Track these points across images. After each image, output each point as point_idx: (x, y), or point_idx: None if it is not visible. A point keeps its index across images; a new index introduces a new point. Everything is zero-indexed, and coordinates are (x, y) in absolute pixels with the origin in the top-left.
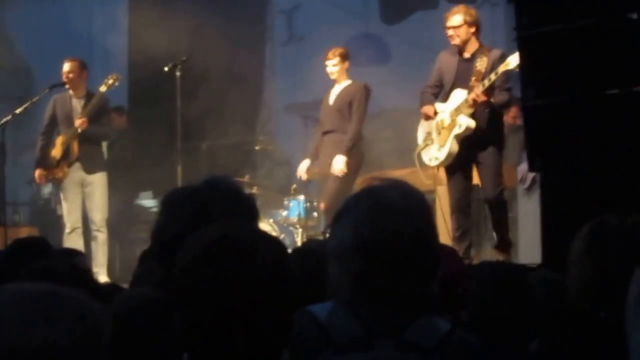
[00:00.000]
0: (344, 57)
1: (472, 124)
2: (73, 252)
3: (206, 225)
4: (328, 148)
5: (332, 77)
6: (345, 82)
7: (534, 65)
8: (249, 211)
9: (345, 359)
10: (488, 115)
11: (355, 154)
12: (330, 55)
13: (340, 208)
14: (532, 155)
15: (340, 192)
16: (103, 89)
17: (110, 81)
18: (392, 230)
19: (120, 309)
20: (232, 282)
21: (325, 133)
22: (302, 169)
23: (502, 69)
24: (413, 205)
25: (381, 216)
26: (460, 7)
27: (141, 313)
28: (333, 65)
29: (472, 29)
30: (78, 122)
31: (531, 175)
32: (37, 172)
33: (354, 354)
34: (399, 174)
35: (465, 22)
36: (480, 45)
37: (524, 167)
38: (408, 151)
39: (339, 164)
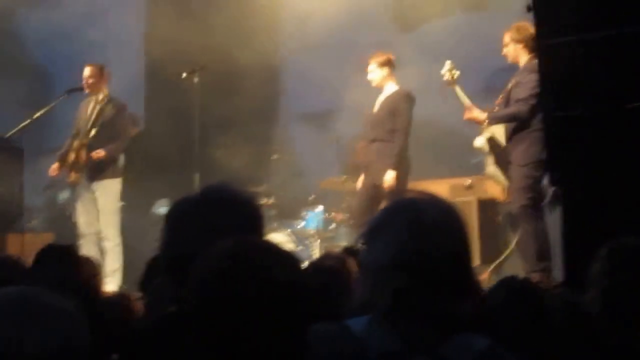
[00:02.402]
0: (382, 64)
1: (475, 143)
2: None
3: (213, 238)
4: (372, 157)
5: (373, 84)
6: (388, 90)
7: (555, 76)
8: (252, 221)
9: None
10: (510, 130)
11: (402, 165)
12: (369, 61)
13: (374, 223)
14: (553, 168)
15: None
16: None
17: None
18: (433, 248)
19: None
20: (245, 300)
21: (370, 141)
22: (360, 182)
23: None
24: (452, 223)
25: (422, 234)
26: (514, 25)
27: (157, 330)
28: (370, 72)
29: (519, 46)
30: (94, 154)
31: (552, 189)
32: (54, 165)
33: None
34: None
35: (512, 40)
36: (532, 58)
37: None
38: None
39: (389, 179)
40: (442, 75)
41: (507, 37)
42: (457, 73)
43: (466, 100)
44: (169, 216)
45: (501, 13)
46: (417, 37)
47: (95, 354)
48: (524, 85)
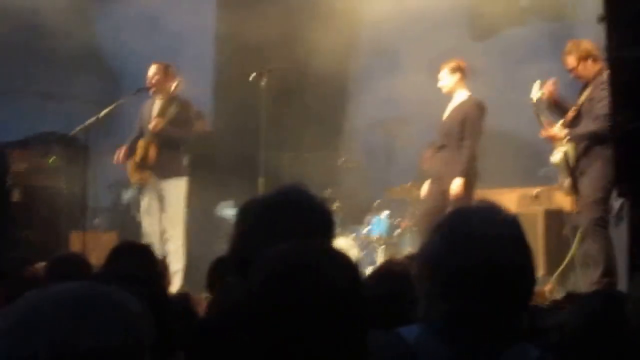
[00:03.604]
0: (453, 70)
1: (552, 158)
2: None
3: (282, 240)
4: (440, 165)
5: (443, 90)
6: (459, 97)
7: (625, 89)
8: (323, 223)
9: None
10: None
11: (470, 174)
12: (441, 67)
13: (430, 230)
14: (621, 180)
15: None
16: (172, 89)
17: (173, 86)
18: (472, 260)
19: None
20: (300, 305)
21: (439, 149)
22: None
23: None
24: (498, 233)
25: (460, 245)
26: (569, 45)
27: (222, 327)
28: (441, 79)
29: (588, 62)
30: (152, 124)
31: (618, 202)
32: (120, 153)
33: None
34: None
35: (578, 59)
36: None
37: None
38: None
39: (457, 187)
40: (532, 99)
41: (571, 59)
42: (542, 92)
43: (545, 118)
44: (240, 215)
45: (577, 23)
46: (491, 45)
47: (160, 352)
48: (602, 101)
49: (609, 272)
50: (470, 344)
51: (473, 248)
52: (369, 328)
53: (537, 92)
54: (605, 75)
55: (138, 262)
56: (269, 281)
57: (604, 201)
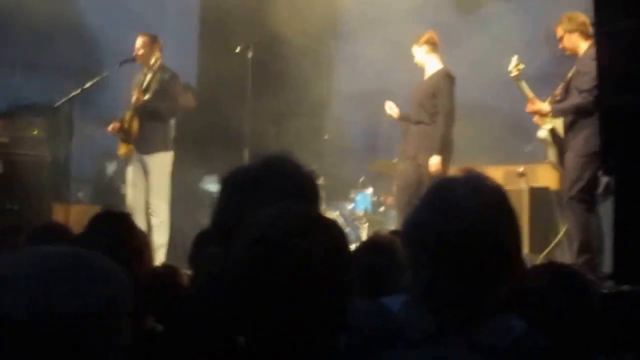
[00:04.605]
0: (421, 43)
1: (538, 134)
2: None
3: (264, 207)
4: (416, 140)
5: (418, 65)
6: (430, 69)
7: (612, 63)
8: (309, 192)
9: (414, 354)
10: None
11: (446, 149)
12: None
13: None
14: (607, 157)
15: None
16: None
17: (152, 60)
18: (455, 228)
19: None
20: (284, 268)
21: (414, 124)
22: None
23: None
24: (483, 202)
25: (444, 213)
26: (562, 16)
27: (201, 297)
28: (414, 52)
29: (574, 35)
30: (134, 97)
31: (605, 179)
32: (113, 125)
33: (424, 350)
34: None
35: (566, 31)
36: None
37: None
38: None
39: (435, 164)
40: (509, 72)
41: (560, 30)
42: (522, 67)
43: (529, 93)
44: (224, 184)
45: None
46: (476, 19)
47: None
48: (587, 75)
49: (587, 248)
50: (452, 313)
51: (456, 215)
52: (352, 296)
53: (513, 65)
54: (592, 50)
55: (116, 230)
56: (254, 245)
57: (585, 177)
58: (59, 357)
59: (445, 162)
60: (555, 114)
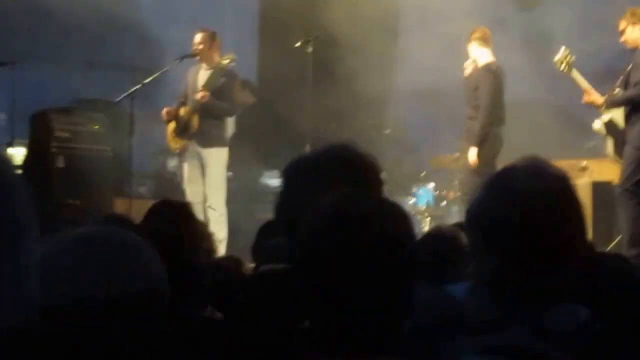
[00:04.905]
0: (474, 38)
1: (594, 125)
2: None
3: (328, 194)
4: (465, 134)
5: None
6: (478, 65)
7: None
8: (372, 180)
9: (478, 340)
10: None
11: (488, 143)
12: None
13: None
14: None
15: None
16: (224, 63)
17: (226, 61)
18: (518, 212)
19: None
20: (353, 252)
21: (468, 119)
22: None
23: None
24: (545, 186)
25: (506, 197)
26: (627, 10)
27: (267, 284)
28: (468, 48)
29: (636, 29)
30: (199, 95)
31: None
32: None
33: (487, 335)
34: None
35: (629, 24)
36: None
37: None
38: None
39: (471, 157)
40: (556, 62)
41: (622, 23)
42: (572, 58)
43: (585, 84)
44: (287, 174)
45: None
46: (535, 16)
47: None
48: None
49: (637, 242)
50: (516, 299)
51: (518, 199)
52: (416, 281)
53: (561, 57)
54: None
55: (174, 219)
56: (320, 228)
57: (637, 171)
58: (129, 337)
59: (488, 156)
60: (609, 105)
